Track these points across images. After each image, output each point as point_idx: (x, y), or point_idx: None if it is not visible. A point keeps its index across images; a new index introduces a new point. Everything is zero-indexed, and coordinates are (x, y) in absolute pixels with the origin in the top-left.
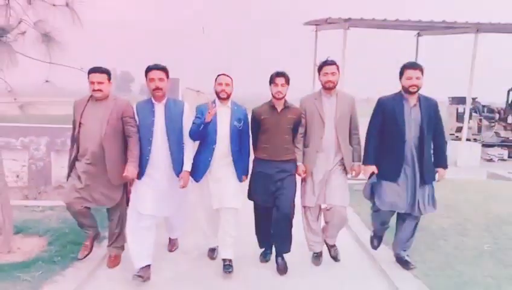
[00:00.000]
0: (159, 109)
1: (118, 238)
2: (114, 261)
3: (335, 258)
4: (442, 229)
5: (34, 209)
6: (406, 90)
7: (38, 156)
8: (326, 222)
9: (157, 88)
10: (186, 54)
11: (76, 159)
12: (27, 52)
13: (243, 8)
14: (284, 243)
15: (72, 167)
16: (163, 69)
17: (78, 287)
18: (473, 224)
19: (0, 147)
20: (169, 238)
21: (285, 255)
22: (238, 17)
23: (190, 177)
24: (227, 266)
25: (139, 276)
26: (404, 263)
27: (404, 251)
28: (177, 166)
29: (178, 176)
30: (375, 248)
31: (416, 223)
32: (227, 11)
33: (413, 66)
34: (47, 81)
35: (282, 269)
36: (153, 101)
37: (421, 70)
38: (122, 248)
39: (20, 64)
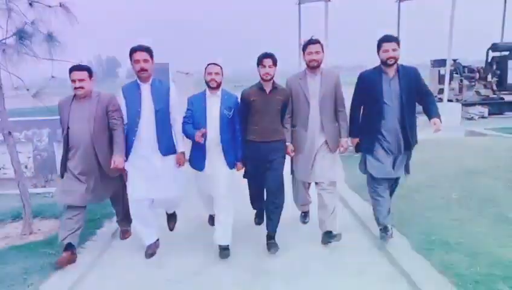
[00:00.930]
0: (145, 90)
1: (126, 219)
2: (125, 234)
3: (334, 237)
4: (416, 183)
5: (45, 196)
6: (383, 62)
7: (42, 147)
8: (320, 207)
9: (142, 69)
10: (175, 38)
11: (67, 158)
12: (30, 51)
13: None
14: (272, 224)
15: (64, 166)
16: (148, 50)
17: (99, 255)
18: (444, 177)
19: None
20: (167, 215)
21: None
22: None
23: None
24: (225, 253)
25: (151, 254)
26: (385, 230)
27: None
28: (162, 145)
29: (164, 155)
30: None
31: (394, 187)
32: None
33: (388, 39)
34: (53, 76)
35: (271, 248)
36: (139, 82)
37: (397, 42)
38: (130, 223)
39: (27, 62)
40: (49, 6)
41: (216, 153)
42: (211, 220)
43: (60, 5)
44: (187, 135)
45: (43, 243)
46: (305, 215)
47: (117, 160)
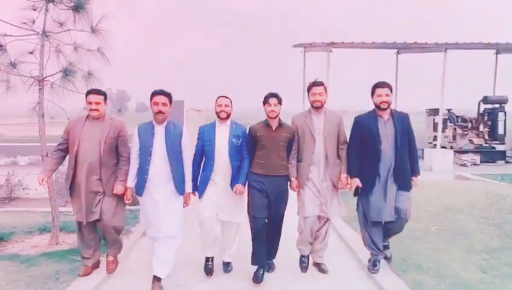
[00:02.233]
0: (159, 131)
1: (115, 244)
2: (112, 264)
3: (323, 271)
4: None
5: (68, 214)
6: (377, 106)
7: (63, 170)
8: (314, 239)
9: (160, 112)
10: (189, 78)
11: (75, 176)
12: (67, 86)
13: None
14: (270, 251)
15: (71, 183)
16: (168, 95)
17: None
18: (426, 212)
19: (32, 164)
20: (154, 277)
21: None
22: (238, 44)
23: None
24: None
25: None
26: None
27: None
28: (177, 185)
29: (180, 194)
30: (372, 270)
31: (400, 225)
32: (229, 37)
33: (382, 84)
34: (84, 108)
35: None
36: (154, 123)
37: (390, 88)
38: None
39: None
40: (89, 50)
41: (226, 180)
42: (207, 262)
43: (98, 50)
44: (195, 166)
45: (70, 251)
46: (304, 260)
47: (118, 188)
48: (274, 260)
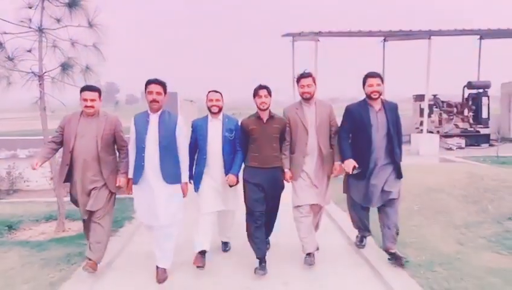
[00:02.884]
0: (154, 120)
1: (99, 250)
2: (93, 265)
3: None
4: None
5: (70, 203)
6: (368, 96)
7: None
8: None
9: (154, 100)
10: (182, 69)
11: (71, 172)
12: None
13: (233, 24)
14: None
15: (68, 180)
16: (162, 84)
17: (124, 244)
18: (409, 193)
19: (31, 157)
20: (157, 267)
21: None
22: (228, 35)
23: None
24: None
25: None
26: (396, 258)
27: (393, 243)
28: (165, 174)
29: (168, 183)
30: (359, 245)
31: (395, 209)
32: (220, 29)
33: (373, 74)
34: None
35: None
36: (149, 112)
37: (381, 78)
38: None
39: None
40: (85, 46)
41: (220, 173)
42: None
43: (93, 45)
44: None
45: (77, 237)
46: (309, 257)
47: (122, 181)
48: (270, 238)
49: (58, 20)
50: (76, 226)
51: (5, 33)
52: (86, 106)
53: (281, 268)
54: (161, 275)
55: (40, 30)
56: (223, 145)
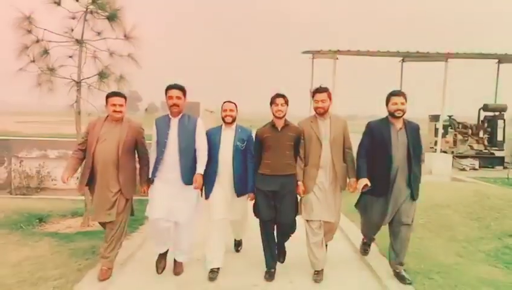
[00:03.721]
0: (174, 123)
1: (114, 249)
2: (106, 273)
3: None
4: None
5: None
6: (392, 114)
7: None
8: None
9: (174, 105)
10: (203, 80)
11: (92, 175)
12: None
13: (251, 40)
14: (279, 254)
15: (89, 182)
16: (182, 89)
17: (143, 241)
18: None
19: (59, 158)
20: (175, 261)
21: (286, 258)
22: (248, 50)
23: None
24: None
25: (162, 268)
26: (401, 278)
27: (401, 265)
28: (185, 175)
29: (186, 184)
30: (364, 253)
31: (406, 232)
32: (239, 46)
33: (397, 93)
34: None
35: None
36: (170, 116)
37: (405, 96)
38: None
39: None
40: (121, 56)
41: (229, 181)
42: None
43: (128, 55)
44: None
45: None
46: (318, 274)
47: (145, 189)
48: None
49: (99, 33)
50: None
51: (50, 41)
52: (115, 111)
53: (288, 267)
54: (178, 268)
55: (80, 42)
56: (234, 154)
